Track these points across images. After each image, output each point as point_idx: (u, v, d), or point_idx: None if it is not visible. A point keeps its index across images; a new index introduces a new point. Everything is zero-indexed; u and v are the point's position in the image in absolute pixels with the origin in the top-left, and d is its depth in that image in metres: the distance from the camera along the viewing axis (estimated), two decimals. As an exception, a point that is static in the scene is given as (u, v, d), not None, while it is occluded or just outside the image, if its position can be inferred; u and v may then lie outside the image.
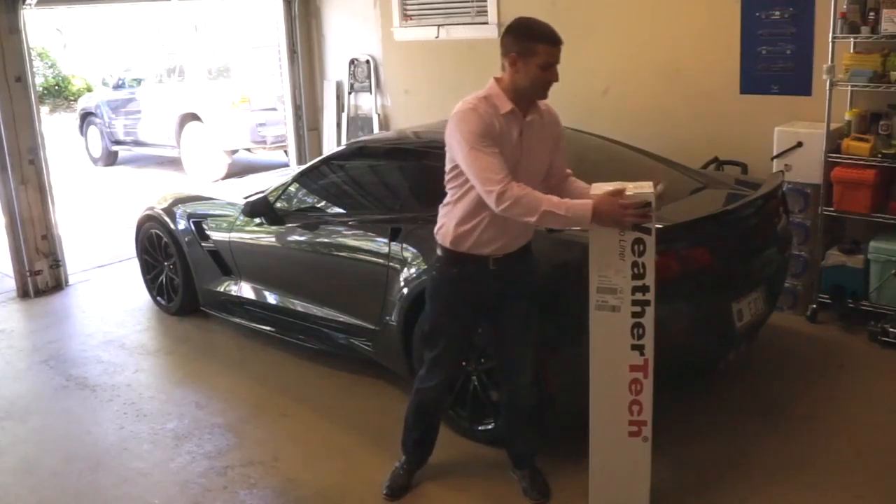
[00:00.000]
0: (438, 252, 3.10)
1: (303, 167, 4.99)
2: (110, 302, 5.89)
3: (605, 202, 2.73)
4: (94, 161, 12.35)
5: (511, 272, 3.02)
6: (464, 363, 3.49)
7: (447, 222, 3.02)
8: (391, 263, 3.94)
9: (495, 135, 2.83)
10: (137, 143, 11.69)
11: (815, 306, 4.82)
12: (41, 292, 6.06)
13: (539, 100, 2.96)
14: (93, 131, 12.36)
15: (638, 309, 2.83)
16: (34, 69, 6.40)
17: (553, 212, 2.75)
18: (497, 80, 2.93)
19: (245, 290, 4.94)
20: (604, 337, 2.89)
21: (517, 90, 2.88)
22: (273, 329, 4.78)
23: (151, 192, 6.79)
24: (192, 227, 5.18)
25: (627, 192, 2.76)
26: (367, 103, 7.50)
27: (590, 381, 2.96)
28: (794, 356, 4.45)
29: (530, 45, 2.84)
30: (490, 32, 6.24)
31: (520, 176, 2.89)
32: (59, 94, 18.12)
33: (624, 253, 2.79)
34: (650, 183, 2.83)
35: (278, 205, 4.62)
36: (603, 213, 2.73)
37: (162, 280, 5.54)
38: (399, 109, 7.26)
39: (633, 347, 2.86)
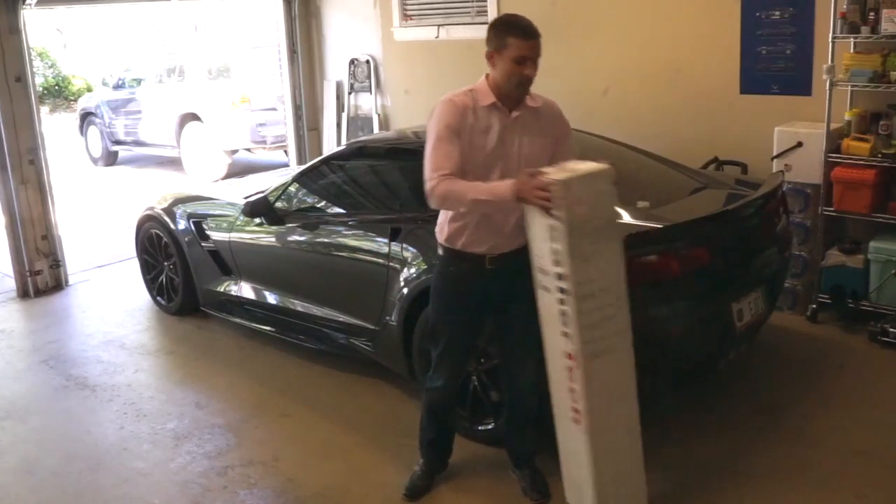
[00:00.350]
0: (439, 250, 3.11)
1: (303, 167, 4.99)
2: (110, 302, 5.89)
3: (522, 182, 2.71)
4: (94, 161, 12.36)
5: (510, 272, 3.00)
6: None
7: (443, 220, 3.05)
8: (391, 263, 3.94)
9: (464, 127, 2.86)
10: (137, 143, 11.69)
11: (815, 306, 4.82)
12: (41, 292, 6.06)
13: (518, 97, 2.92)
14: (93, 131, 12.36)
15: (561, 296, 2.73)
16: (34, 69, 6.40)
17: (479, 199, 2.78)
18: (487, 75, 2.96)
19: (245, 290, 4.94)
20: (545, 317, 2.87)
21: (498, 86, 2.90)
22: (273, 329, 4.78)
23: (151, 192, 6.79)
24: (192, 227, 5.18)
25: (545, 172, 2.70)
26: (367, 103, 7.50)
27: (545, 358, 2.93)
28: (794, 356, 4.45)
29: (503, 38, 2.85)
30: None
31: (501, 172, 2.89)
32: (59, 94, 18.13)
33: (546, 236, 2.71)
34: (602, 165, 2.77)
35: (278, 205, 4.62)
36: (520, 193, 2.70)
37: (162, 280, 5.54)
38: (399, 109, 7.26)
39: (563, 334, 2.80)
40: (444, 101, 2.92)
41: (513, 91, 2.89)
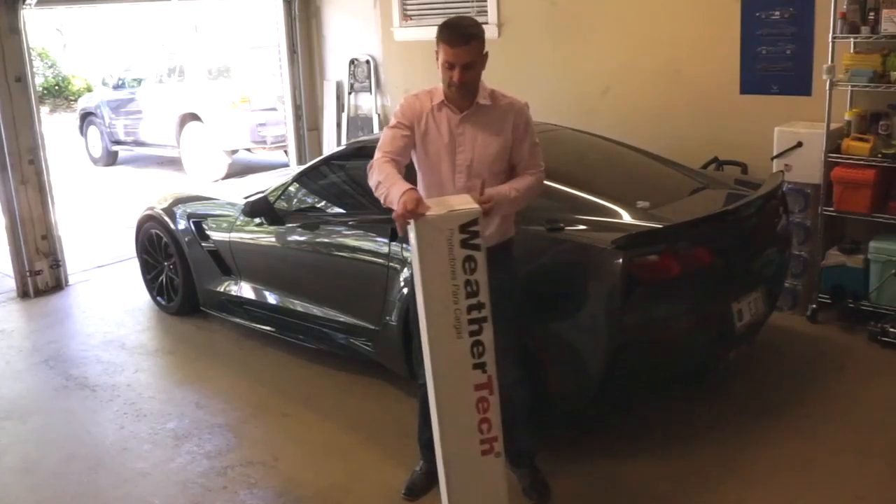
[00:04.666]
0: None
1: (303, 167, 4.99)
2: (110, 302, 5.89)
3: (411, 196, 2.72)
4: (94, 161, 12.35)
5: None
6: None
7: None
8: (391, 263, 3.94)
9: (420, 123, 3.01)
10: (138, 143, 11.69)
11: (815, 306, 4.82)
12: (41, 292, 6.06)
13: (455, 99, 3.00)
14: (93, 131, 12.36)
15: (475, 327, 2.73)
16: (34, 69, 6.40)
17: (383, 182, 2.90)
18: None
19: (245, 290, 4.94)
20: (446, 360, 2.78)
21: (444, 86, 3.02)
22: (273, 329, 4.78)
23: (151, 192, 6.79)
24: (192, 227, 5.18)
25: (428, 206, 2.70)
26: (367, 103, 7.50)
27: (435, 405, 2.80)
28: (794, 356, 4.45)
29: (438, 42, 2.98)
30: (490, 32, 6.23)
31: (450, 168, 3.01)
32: (59, 94, 18.12)
33: (455, 272, 2.69)
34: (468, 201, 2.74)
35: (278, 205, 4.62)
36: (406, 197, 2.72)
37: (162, 280, 5.53)
38: (399, 109, 7.26)
39: (475, 366, 2.76)
40: (408, 96, 3.11)
41: (447, 92, 3.01)
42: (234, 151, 10.44)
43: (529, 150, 3.11)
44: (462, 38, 2.91)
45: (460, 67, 2.91)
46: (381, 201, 2.94)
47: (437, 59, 2.99)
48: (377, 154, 3.01)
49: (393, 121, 3.07)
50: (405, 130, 3.03)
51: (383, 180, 2.91)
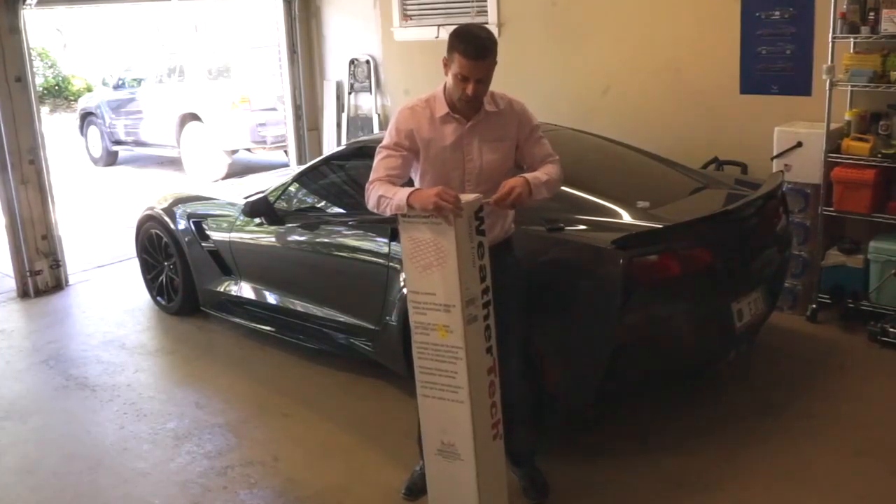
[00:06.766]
0: None
1: (303, 167, 4.99)
2: (110, 302, 5.89)
3: (421, 191, 2.78)
4: (94, 161, 12.35)
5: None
6: None
7: None
8: (391, 263, 3.93)
9: (421, 137, 2.92)
10: (138, 143, 11.70)
11: (815, 306, 4.82)
12: (41, 292, 6.06)
13: (464, 110, 2.94)
14: (93, 131, 12.36)
15: (486, 312, 2.84)
16: (34, 69, 6.40)
17: (383, 195, 2.84)
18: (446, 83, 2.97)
19: (245, 290, 4.94)
20: (475, 350, 2.84)
21: (450, 96, 2.93)
22: (273, 329, 4.78)
23: (151, 192, 6.79)
24: (192, 227, 5.18)
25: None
26: (367, 103, 7.50)
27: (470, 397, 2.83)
28: (794, 356, 4.45)
29: (452, 52, 2.86)
30: (490, 32, 6.23)
31: (460, 179, 2.95)
32: (59, 94, 18.12)
33: (474, 259, 2.78)
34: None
35: (278, 205, 4.62)
36: (417, 197, 2.74)
37: (162, 280, 5.54)
38: (399, 109, 7.26)
39: (487, 350, 2.87)
40: (403, 108, 3.00)
41: (458, 105, 2.92)
42: (234, 151, 10.45)
43: (540, 145, 3.09)
44: (481, 51, 2.81)
45: (475, 81, 2.83)
46: (388, 213, 2.87)
47: (447, 66, 2.88)
48: (371, 179, 2.93)
49: (389, 142, 2.96)
50: (401, 151, 2.94)
51: (384, 193, 2.86)
